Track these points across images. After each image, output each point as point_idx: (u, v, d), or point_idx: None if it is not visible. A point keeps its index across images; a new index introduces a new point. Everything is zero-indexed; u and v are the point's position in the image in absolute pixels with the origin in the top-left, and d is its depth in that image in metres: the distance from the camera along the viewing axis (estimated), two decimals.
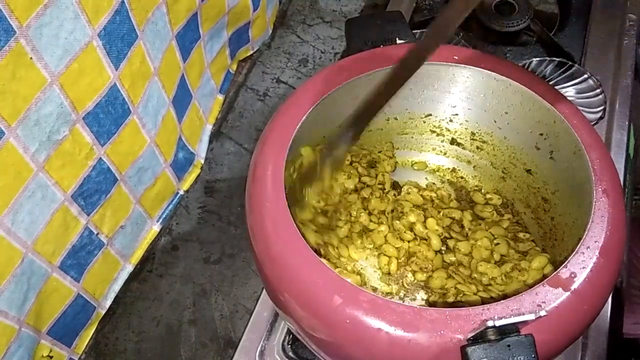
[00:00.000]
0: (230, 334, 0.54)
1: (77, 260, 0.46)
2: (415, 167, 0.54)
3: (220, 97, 0.66)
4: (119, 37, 0.42)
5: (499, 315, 0.30)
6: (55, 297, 0.45)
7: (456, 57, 0.43)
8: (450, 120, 0.51)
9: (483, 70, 0.44)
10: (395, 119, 0.51)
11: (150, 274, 0.57)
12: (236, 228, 0.60)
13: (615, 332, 0.48)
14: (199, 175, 0.63)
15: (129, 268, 0.55)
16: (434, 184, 0.53)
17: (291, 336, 0.47)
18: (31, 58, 0.35)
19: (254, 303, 0.53)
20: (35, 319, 0.43)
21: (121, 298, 0.55)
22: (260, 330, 0.46)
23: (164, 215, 0.58)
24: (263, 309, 0.48)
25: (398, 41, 0.46)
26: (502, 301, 0.31)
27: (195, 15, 0.53)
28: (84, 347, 0.51)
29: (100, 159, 0.45)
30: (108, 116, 0.44)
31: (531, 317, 0.28)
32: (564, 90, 0.60)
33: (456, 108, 0.50)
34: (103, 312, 0.53)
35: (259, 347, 0.45)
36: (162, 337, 0.54)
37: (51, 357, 0.46)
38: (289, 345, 0.45)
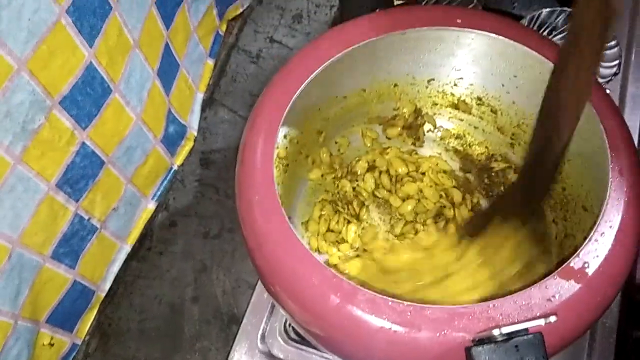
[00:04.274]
0: (234, 310, 0.53)
1: (70, 247, 0.45)
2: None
3: (211, 62, 0.62)
4: (90, 11, 0.39)
5: (505, 312, 0.29)
6: (51, 287, 0.44)
7: (459, 21, 0.39)
8: (455, 85, 0.47)
9: (489, 33, 0.40)
10: (396, 85, 0.48)
11: (150, 251, 0.56)
12: (234, 201, 0.58)
13: (629, 291, 0.46)
14: (193, 147, 0.60)
15: (127, 248, 0.54)
16: (439, 153, 0.50)
17: None
18: None
19: (255, 278, 0.52)
20: (32, 310, 0.42)
21: (121, 277, 0.54)
22: (262, 311, 0.45)
23: (158, 193, 0.57)
24: (263, 289, 0.46)
25: (396, 2, 0.42)
26: (509, 296, 0.29)
27: None
28: (87, 330, 0.51)
29: (84, 143, 0.43)
30: (87, 98, 0.41)
31: (540, 322, 0.26)
32: None
33: (461, 72, 0.46)
34: (103, 294, 0.52)
35: (261, 330, 0.44)
36: (165, 316, 0.53)
37: (52, 344, 0.46)
38: (291, 327, 0.45)
